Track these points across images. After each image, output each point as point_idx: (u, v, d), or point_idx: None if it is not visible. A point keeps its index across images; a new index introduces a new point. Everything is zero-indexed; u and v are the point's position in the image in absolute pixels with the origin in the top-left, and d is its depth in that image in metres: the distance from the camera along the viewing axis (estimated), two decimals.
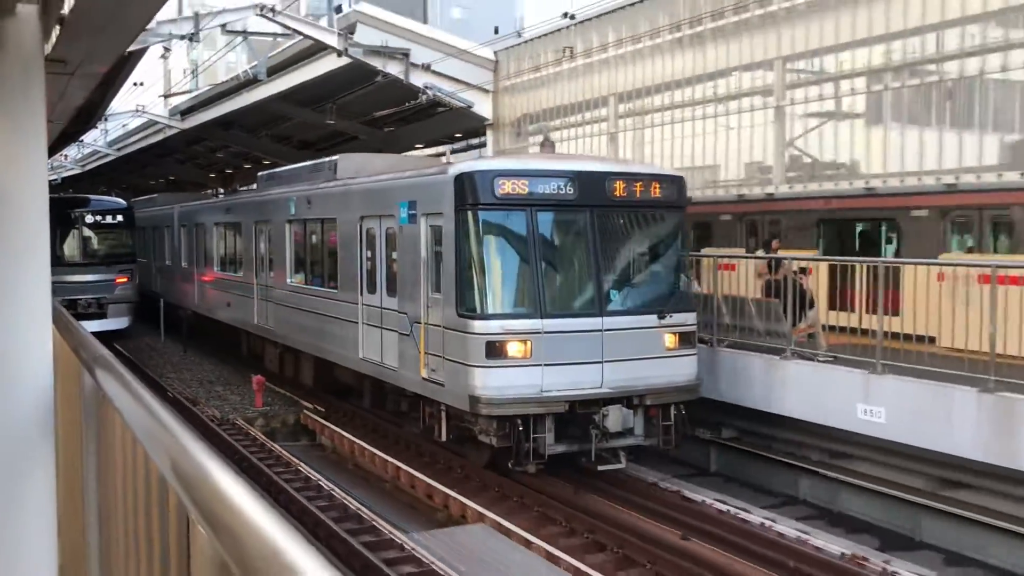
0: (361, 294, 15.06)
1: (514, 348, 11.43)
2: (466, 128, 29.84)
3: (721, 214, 19.02)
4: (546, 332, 11.50)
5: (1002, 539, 10.51)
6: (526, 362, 11.43)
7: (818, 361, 12.47)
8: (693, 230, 17.85)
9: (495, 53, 25.85)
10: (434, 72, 24.01)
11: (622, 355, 11.83)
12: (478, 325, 11.51)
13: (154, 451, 1.89)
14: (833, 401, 11.65)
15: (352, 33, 23.11)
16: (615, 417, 11.53)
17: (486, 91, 25.66)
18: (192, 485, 1.53)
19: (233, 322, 22.78)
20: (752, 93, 18.81)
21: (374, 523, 10.86)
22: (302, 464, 13.86)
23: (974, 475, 10.70)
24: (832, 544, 10.33)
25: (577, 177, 12.09)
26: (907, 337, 11.85)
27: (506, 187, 11.71)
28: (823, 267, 14.48)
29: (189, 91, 37.02)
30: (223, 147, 42.24)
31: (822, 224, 17.13)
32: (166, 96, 37.49)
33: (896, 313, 12.32)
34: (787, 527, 10.97)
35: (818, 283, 13.89)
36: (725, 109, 19.48)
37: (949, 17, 14.86)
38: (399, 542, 10.04)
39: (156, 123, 38.08)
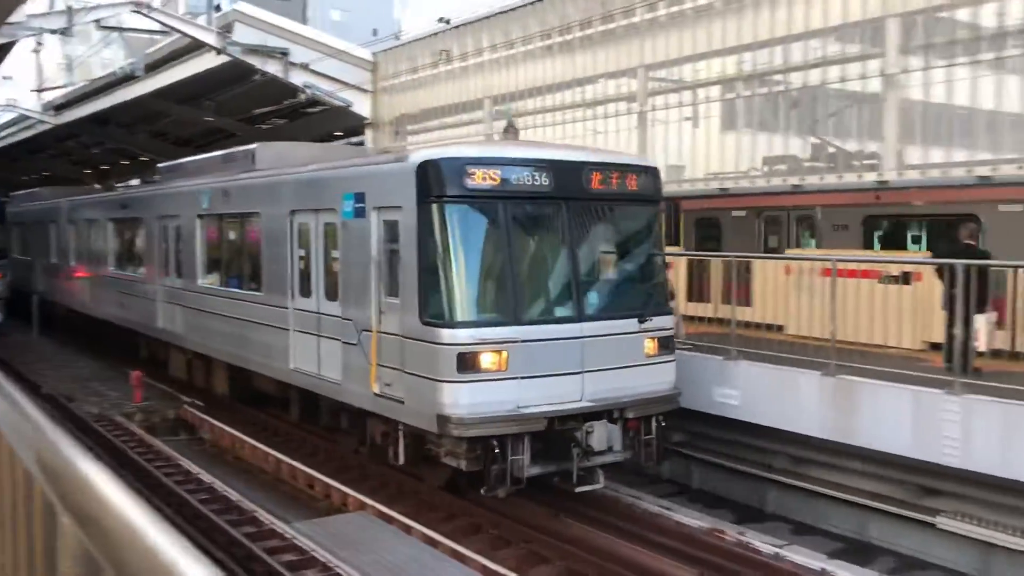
0: (292, 298, 13.11)
1: (488, 360, 9.80)
2: (346, 127, 29.46)
3: (732, 209, 16.83)
4: (522, 341, 9.89)
5: (840, 508, 11.07)
6: (501, 375, 9.84)
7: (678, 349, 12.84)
8: (696, 228, 17.02)
9: (374, 54, 25.63)
10: (313, 71, 23.62)
11: (603, 364, 10.39)
12: (446, 334, 9.82)
13: (18, 445, 1.81)
14: (693, 386, 12.04)
15: (230, 32, 22.49)
16: (600, 434, 10.15)
17: (365, 91, 25.40)
18: (58, 478, 1.47)
19: (131, 325, 20.36)
20: (618, 99, 19.21)
21: (255, 514, 10.63)
22: (182, 458, 13.42)
23: (817, 451, 11.23)
24: (693, 519, 10.66)
25: (552, 166, 10.44)
26: (758, 326, 12.36)
27: (477, 177, 10.00)
28: (683, 261, 14.95)
29: (63, 86, 35.28)
30: (98, 143, 40.43)
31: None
32: (39, 91, 35.65)
33: (748, 304, 12.84)
34: (650, 503, 11.25)
35: (677, 276, 14.30)
36: (593, 114, 19.85)
37: (794, 31, 15.52)
38: (280, 531, 9.86)
39: (28, 118, 36.16)
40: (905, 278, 11.93)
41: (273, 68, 23.16)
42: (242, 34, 22.62)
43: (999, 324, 10.75)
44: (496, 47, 21.71)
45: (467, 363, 9.76)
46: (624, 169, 11.13)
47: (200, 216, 16.54)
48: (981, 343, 10.24)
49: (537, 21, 20.46)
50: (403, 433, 10.79)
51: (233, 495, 11.48)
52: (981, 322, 10.16)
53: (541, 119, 21.09)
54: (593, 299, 10.63)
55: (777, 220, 16.05)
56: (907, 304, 11.56)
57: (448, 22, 23.12)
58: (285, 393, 14.24)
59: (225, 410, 16.40)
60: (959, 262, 9.98)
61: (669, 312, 11.29)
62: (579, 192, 10.62)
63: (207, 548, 9.66)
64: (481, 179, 10.02)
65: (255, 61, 23.00)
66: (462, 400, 9.75)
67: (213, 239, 16.55)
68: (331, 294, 12.14)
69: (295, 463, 12.88)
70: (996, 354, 10.53)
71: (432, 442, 10.38)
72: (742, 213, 16.55)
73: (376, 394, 10.91)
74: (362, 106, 25.37)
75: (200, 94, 28.13)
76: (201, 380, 17.36)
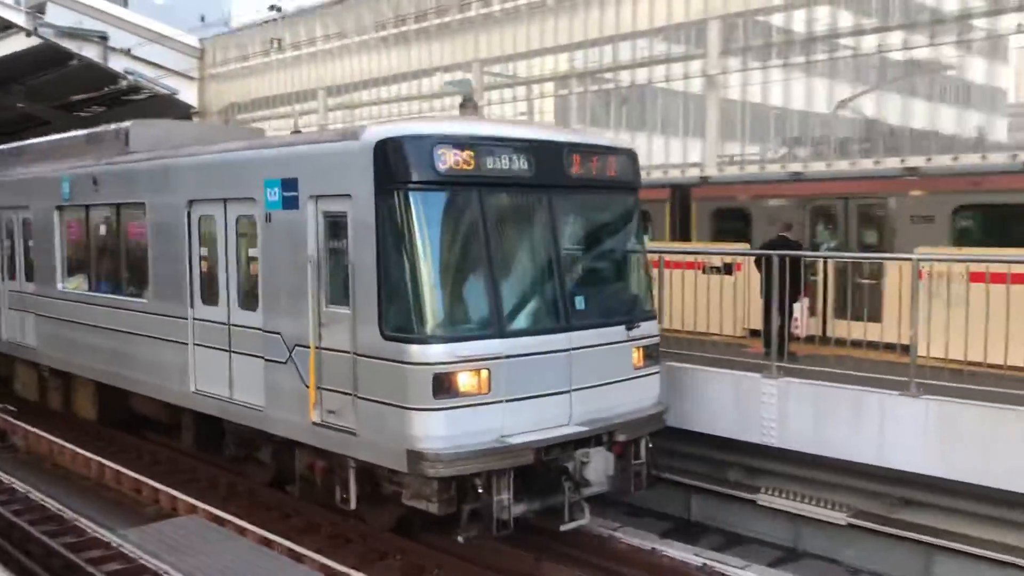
0: (192, 306, 10.94)
1: (467, 381, 8.18)
2: (171, 115, 28.20)
3: (766, 198, 14.61)
4: (506, 356, 8.33)
5: (676, 490, 11.49)
6: (482, 399, 8.22)
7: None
8: (714, 220, 15.16)
9: (201, 41, 24.65)
10: (135, 57, 22.47)
11: (591, 380, 8.97)
12: (417, 352, 8.09)
13: None
14: None
15: (42, 13, 21.07)
16: (598, 464, 8.82)
17: (192, 78, 24.39)
18: None
19: None
20: (453, 93, 19.26)
21: (76, 523, 10.01)
22: None
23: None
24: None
25: (532, 148, 8.84)
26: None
27: (449, 159, 8.29)
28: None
29: None
30: None
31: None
32: None
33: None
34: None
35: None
36: (430, 107, 19.82)
37: (623, 31, 16.01)
38: (105, 540, 9.33)
39: None
40: (727, 269, 12.43)
41: (91, 52, 21.91)
42: (56, 15, 21.25)
43: (811, 311, 11.45)
44: (330, 37, 21.32)
45: (444, 386, 8.08)
46: (604, 152, 9.64)
47: (60, 208, 13.91)
48: (801, 329, 10.87)
49: (371, 11, 20.22)
50: (355, 471, 9.01)
51: (52, 504, 10.76)
52: (798, 310, 10.79)
53: (377, 111, 20.88)
54: (580, 304, 9.03)
55: (829, 211, 14.00)
56: (728, 293, 12.11)
57: (280, 10, 22.52)
58: (176, 418, 11.98)
59: (43, 416, 15.36)
60: (776, 253, 10.54)
61: (653, 317, 9.93)
62: (561, 178, 9.10)
63: (20, 561, 9.06)
64: (454, 162, 8.33)
65: (71, 45, 21.67)
66: (438, 431, 8.10)
67: (77, 235, 13.76)
68: (248, 302, 10.15)
69: (119, 467, 12.21)
70: (810, 339, 11.22)
71: (393, 481, 8.74)
72: (780, 203, 14.48)
73: (316, 423, 9.08)
74: (188, 94, 24.38)
75: (9, 78, 26.18)
76: (58, 402, 14.80)
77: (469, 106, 10.49)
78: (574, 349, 8.82)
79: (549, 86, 18.20)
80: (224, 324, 10.49)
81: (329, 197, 8.91)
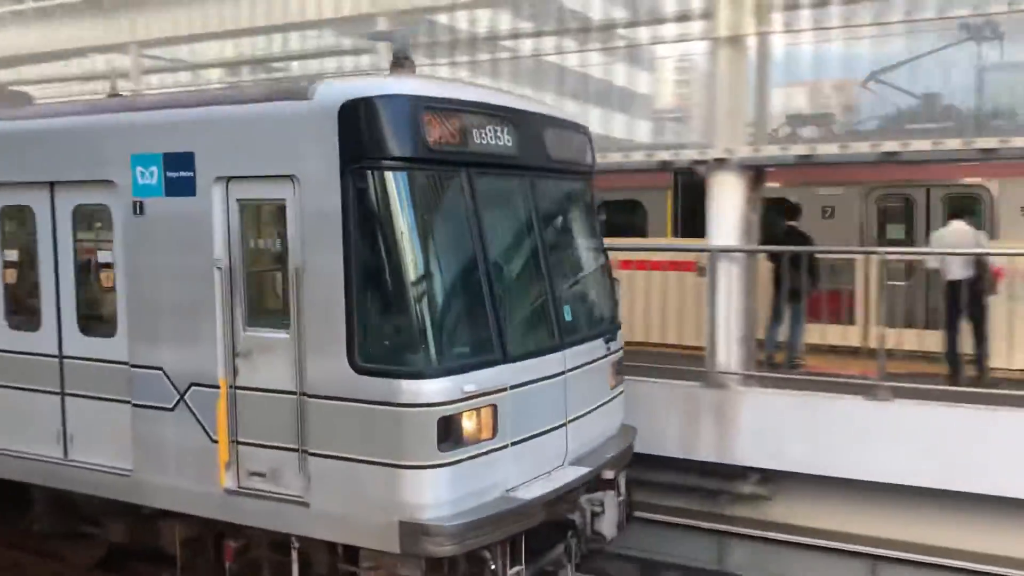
0: (60, 336, 7.75)
1: (474, 423, 6.21)
2: None
3: (815, 185, 12.25)
4: (511, 387, 6.48)
5: None
6: (488, 445, 6.32)
7: None
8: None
9: None
10: None
11: (583, 407, 7.32)
12: (415, 389, 5.98)
13: None
14: None
15: None
16: (611, 514, 7.13)
17: None
18: None
19: None
20: (109, 76, 17.83)
21: None
22: None
23: None
24: None
25: (514, 120, 6.96)
26: None
27: (436, 130, 6.26)
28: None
29: None
30: None
31: None
32: None
33: None
34: None
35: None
36: (80, 90, 18.23)
37: (292, 20, 15.70)
38: None
39: None
40: None
41: None
42: None
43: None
44: None
45: (451, 433, 6.06)
46: (571, 129, 7.85)
47: None
48: None
49: None
50: (298, 553, 6.68)
51: None
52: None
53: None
54: (568, 316, 7.29)
55: (907, 201, 12.04)
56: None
57: None
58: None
59: None
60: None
61: (620, 326, 8.33)
62: (542, 159, 7.30)
63: None
64: (440, 134, 6.25)
65: None
66: (444, 494, 6.06)
67: None
68: (96, 326, 7.59)
69: None
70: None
71: (356, 562, 6.46)
72: (838, 191, 12.29)
73: (231, 491, 6.72)
74: None
75: None
76: None
77: (407, 66, 6.99)
78: (569, 371, 7.14)
79: (216, 73, 17.40)
80: (53, 357, 7.71)
81: (252, 180, 6.55)
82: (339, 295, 6.10)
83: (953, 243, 9.43)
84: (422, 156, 6.20)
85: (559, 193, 7.77)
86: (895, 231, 12.15)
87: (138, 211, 7.10)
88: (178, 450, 6.98)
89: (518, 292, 7.11)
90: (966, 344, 9.52)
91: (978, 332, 9.39)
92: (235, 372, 6.66)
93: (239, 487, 6.70)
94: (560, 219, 7.95)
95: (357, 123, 6.08)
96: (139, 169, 7.03)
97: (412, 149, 6.16)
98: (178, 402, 6.93)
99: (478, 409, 6.21)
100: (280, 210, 6.44)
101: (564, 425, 7.07)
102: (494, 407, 6.31)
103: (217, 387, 6.69)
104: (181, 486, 7.00)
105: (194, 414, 6.85)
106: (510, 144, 6.86)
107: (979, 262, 9.23)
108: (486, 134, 6.65)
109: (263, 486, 6.59)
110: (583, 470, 7.08)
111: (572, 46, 13.71)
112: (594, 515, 7.06)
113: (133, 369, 7.15)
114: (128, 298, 7.21)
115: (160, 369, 7.00)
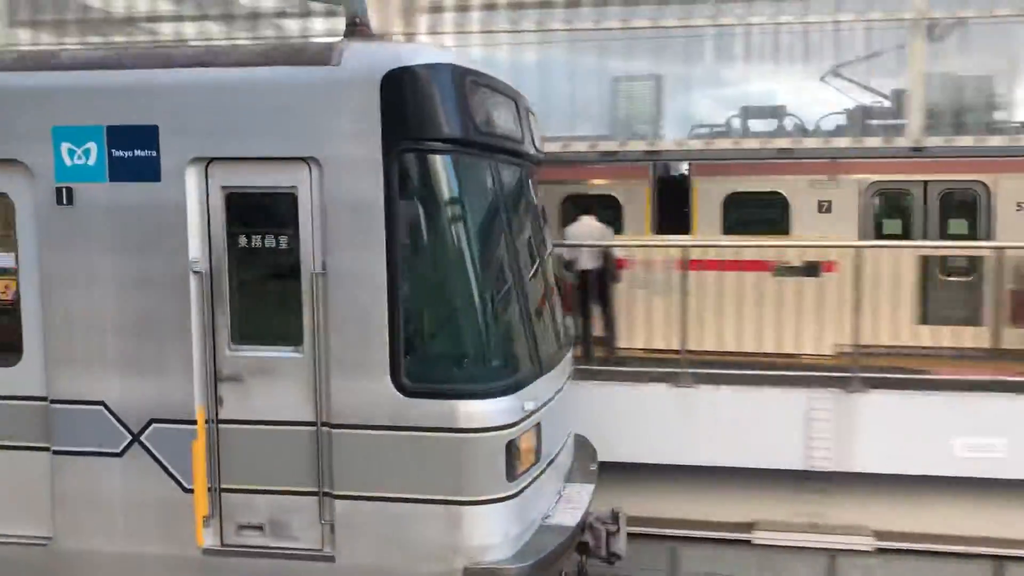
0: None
1: (527, 446, 5.60)
2: None
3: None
4: (545, 403, 5.95)
5: None
6: (536, 469, 5.75)
7: None
8: (727, 209, 11.91)
9: None
10: None
11: (571, 420, 7.01)
12: (481, 410, 5.26)
13: None
14: None
15: None
16: (624, 532, 6.69)
17: None
18: None
19: None
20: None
21: None
22: None
23: None
24: None
25: (513, 103, 6.24)
26: None
27: (482, 109, 5.54)
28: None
29: None
30: None
31: None
32: None
33: None
34: None
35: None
36: None
37: None
38: None
39: None
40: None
41: None
42: None
43: None
44: None
45: (516, 459, 5.39)
46: (532, 112, 6.99)
47: None
48: None
49: None
50: None
51: None
52: None
53: None
54: (559, 319, 6.90)
55: (905, 196, 11.60)
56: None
57: None
58: None
59: None
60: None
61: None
62: (531, 146, 6.65)
63: None
64: (484, 114, 5.49)
65: None
66: (512, 529, 5.40)
67: None
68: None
69: None
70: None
71: None
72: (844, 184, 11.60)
73: (213, 550, 5.57)
74: None
75: None
76: None
77: (366, 32, 5.89)
78: (567, 379, 6.79)
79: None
80: None
81: (245, 163, 5.34)
82: (379, 304, 5.18)
83: (581, 235, 9.95)
84: (473, 139, 5.43)
85: (531, 183, 6.98)
86: (891, 226, 11.81)
87: (64, 200, 5.57)
88: (129, 506, 5.62)
89: (534, 295, 6.42)
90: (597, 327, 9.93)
91: (606, 316, 10.04)
92: (218, 402, 5.51)
93: (222, 545, 5.58)
94: (536, 213, 7.26)
95: (407, 96, 5.11)
96: (65, 146, 5.53)
97: (466, 131, 5.32)
98: (130, 444, 5.58)
99: (529, 430, 5.59)
100: (289, 200, 5.33)
101: (565, 440, 6.69)
102: (538, 426, 5.72)
103: (191, 422, 5.48)
104: (133, 551, 5.61)
105: (156, 458, 5.56)
106: (517, 129, 6.27)
107: (606, 254, 9.84)
108: (505, 116, 5.99)
109: (260, 541, 5.53)
110: (589, 487, 6.64)
111: (217, 32, 12.61)
112: (610, 534, 6.59)
113: (53, 405, 5.65)
114: (45, 313, 5.64)
115: (101, 404, 5.59)
